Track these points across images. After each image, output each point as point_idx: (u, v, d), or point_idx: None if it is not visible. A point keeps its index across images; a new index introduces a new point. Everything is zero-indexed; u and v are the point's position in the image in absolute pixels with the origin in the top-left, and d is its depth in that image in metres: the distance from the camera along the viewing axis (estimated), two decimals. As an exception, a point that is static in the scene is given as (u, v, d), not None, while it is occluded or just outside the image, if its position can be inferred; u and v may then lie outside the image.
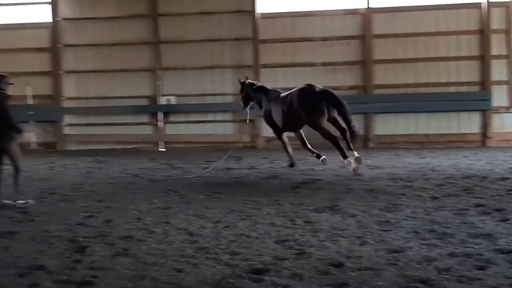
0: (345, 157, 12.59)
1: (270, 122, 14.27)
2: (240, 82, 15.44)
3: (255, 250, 6.33)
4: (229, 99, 21.37)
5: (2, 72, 10.20)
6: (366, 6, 20.89)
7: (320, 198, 9.58)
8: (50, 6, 22.22)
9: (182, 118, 21.85)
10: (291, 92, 13.41)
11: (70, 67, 22.34)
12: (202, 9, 21.59)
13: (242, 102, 15.43)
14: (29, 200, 9.52)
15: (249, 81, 15.44)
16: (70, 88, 22.39)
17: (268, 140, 20.76)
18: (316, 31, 21.19)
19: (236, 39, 21.56)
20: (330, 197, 9.59)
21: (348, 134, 12.64)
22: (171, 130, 22.06)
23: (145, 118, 22.35)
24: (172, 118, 21.90)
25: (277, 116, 13.75)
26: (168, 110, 21.91)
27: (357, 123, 20.30)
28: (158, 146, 21.76)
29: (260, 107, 14.77)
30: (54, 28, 22.22)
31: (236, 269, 5.65)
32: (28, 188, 9.88)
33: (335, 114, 12.85)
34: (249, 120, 16.45)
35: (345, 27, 21.15)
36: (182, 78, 21.56)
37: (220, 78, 21.68)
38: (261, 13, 21.38)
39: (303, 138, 14.25)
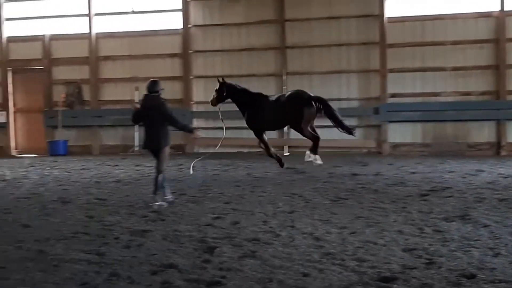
0: (315, 153, 13.39)
1: (253, 125, 14.71)
2: (220, 82, 15.28)
3: (382, 258, 6.24)
4: (354, 104, 21.20)
5: (154, 77, 10.74)
6: (500, 9, 20.00)
7: (450, 206, 9.31)
8: (181, 13, 22.99)
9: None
10: (281, 96, 14.17)
11: (199, 72, 22.99)
12: (329, 14, 21.52)
13: (214, 99, 14.99)
14: (162, 202, 9.90)
15: (230, 82, 15.31)
16: (199, 92, 23.04)
17: (395, 146, 20.41)
18: (447, 35, 20.53)
19: (363, 44, 21.31)
20: (461, 206, 9.29)
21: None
22: (295, 134, 22.09)
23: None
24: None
25: (263, 116, 14.28)
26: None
27: (488, 129, 20.10)
28: (282, 150, 21.92)
29: (240, 108, 15.00)
30: (185, 34, 22.96)
31: (363, 276, 5.58)
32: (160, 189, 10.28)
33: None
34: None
35: (477, 30, 20.35)
36: (308, 83, 21.48)
37: (346, 83, 21.51)
38: (389, 17, 21.01)
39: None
